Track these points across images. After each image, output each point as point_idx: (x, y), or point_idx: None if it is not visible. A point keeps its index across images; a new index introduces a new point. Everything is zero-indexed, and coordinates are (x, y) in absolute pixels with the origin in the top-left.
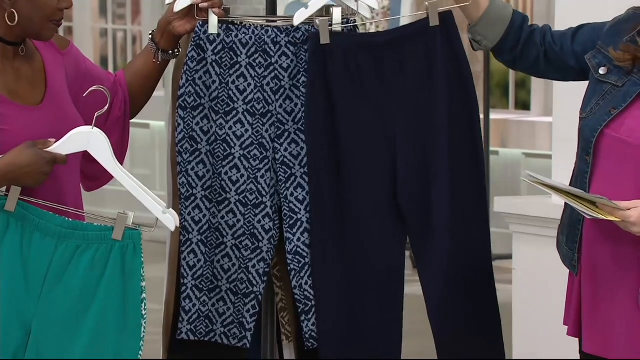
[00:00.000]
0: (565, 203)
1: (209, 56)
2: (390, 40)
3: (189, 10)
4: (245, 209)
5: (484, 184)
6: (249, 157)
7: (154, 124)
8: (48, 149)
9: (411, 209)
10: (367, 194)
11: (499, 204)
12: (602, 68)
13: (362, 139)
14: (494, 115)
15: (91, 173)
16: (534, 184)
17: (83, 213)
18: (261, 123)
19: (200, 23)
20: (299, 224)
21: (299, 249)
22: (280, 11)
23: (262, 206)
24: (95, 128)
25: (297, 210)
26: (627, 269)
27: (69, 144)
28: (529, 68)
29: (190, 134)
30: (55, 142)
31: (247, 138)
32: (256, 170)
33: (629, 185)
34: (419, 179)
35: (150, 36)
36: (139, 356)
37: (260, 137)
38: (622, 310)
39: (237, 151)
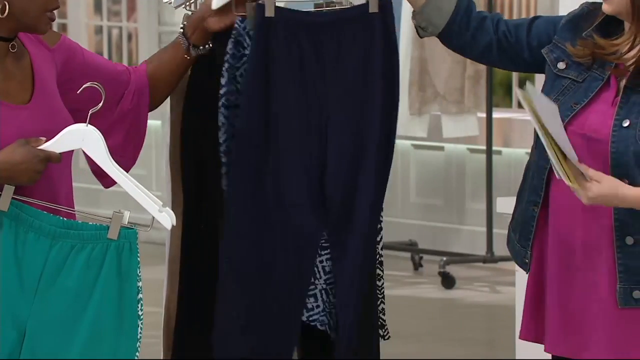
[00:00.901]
0: (517, 196)
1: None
2: (331, 22)
3: (224, 6)
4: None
5: (388, 177)
6: None
7: (150, 122)
8: (40, 147)
9: (336, 196)
10: (293, 178)
11: (502, 205)
12: (561, 63)
13: (295, 120)
14: (496, 114)
15: (99, 170)
16: (523, 101)
17: (77, 212)
18: None
19: (240, 19)
20: None
21: None
22: None
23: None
24: (89, 125)
25: None
26: (597, 268)
27: (62, 142)
28: (479, 55)
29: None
30: (47, 141)
31: None
32: None
33: None
34: (347, 167)
35: (182, 30)
36: (136, 357)
37: None
38: (598, 309)
39: None
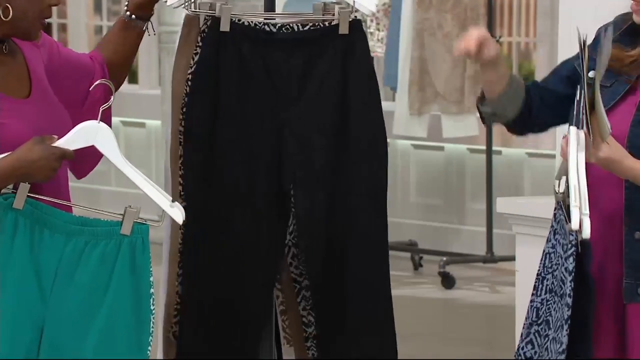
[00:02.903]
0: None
1: None
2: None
3: None
4: None
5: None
6: None
7: (149, 122)
8: (54, 144)
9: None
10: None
11: (502, 205)
12: (592, 72)
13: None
14: None
15: (71, 163)
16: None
17: (90, 210)
18: None
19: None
20: None
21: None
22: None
23: None
24: (101, 123)
25: None
26: (604, 263)
27: (75, 139)
28: (542, 128)
29: None
30: (59, 138)
31: None
32: None
33: (609, 180)
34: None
35: (125, 8)
36: (149, 350)
37: None
38: (604, 305)
39: None
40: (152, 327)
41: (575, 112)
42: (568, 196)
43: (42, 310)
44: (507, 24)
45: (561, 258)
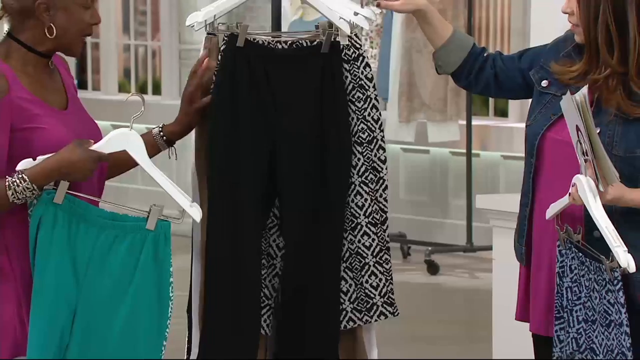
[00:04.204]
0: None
1: None
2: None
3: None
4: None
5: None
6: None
7: None
8: (91, 148)
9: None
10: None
11: (480, 201)
12: (544, 81)
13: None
14: (475, 121)
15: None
16: (581, 105)
17: (119, 206)
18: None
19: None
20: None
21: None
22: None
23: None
24: (132, 129)
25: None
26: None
27: (111, 143)
28: (481, 91)
29: None
30: (94, 143)
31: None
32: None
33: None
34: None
35: (160, 128)
36: (167, 332)
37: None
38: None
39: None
40: (170, 312)
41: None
42: (576, 233)
43: (75, 294)
44: (484, 42)
45: (595, 291)
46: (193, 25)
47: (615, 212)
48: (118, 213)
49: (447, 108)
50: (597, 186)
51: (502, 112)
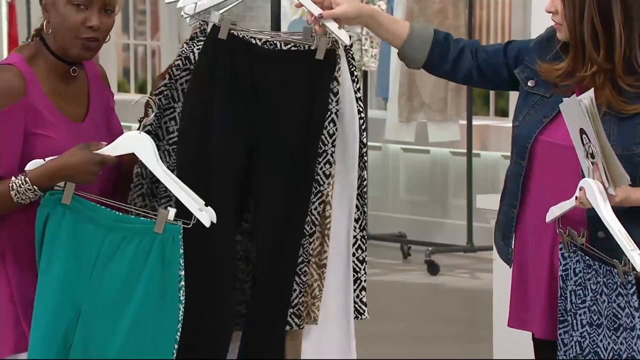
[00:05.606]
0: (500, 200)
1: None
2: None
3: None
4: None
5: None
6: None
7: None
8: (99, 151)
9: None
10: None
11: (481, 201)
12: (531, 81)
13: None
14: (475, 121)
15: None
16: (591, 109)
17: (129, 208)
18: None
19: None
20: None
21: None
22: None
23: None
24: (142, 133)
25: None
26: (543, 260)
27: (120, 146)
28: (462, 80)
29: None
30: (105, 145)
31: None
32: None
33: (569, 182)
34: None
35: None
36: (177, 336)
37: None
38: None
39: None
40: (182, 315)
41: (513, 156)
42: (580, 236)
43: (81, 294)
44: (485, 41)
45: (604, 294)
46: (187, 17)
47: (616, 212)
48: (127, 215)
49: (447, 108)
50: (605, 189)
51: (502, 112)
